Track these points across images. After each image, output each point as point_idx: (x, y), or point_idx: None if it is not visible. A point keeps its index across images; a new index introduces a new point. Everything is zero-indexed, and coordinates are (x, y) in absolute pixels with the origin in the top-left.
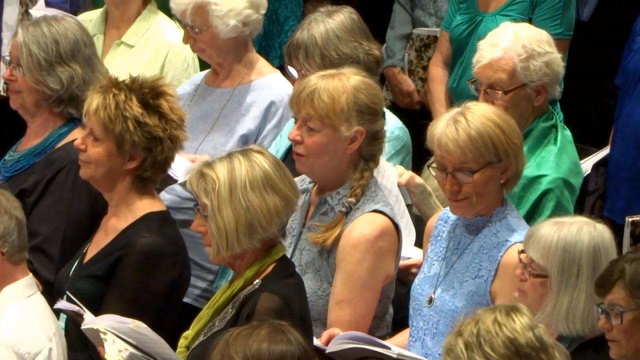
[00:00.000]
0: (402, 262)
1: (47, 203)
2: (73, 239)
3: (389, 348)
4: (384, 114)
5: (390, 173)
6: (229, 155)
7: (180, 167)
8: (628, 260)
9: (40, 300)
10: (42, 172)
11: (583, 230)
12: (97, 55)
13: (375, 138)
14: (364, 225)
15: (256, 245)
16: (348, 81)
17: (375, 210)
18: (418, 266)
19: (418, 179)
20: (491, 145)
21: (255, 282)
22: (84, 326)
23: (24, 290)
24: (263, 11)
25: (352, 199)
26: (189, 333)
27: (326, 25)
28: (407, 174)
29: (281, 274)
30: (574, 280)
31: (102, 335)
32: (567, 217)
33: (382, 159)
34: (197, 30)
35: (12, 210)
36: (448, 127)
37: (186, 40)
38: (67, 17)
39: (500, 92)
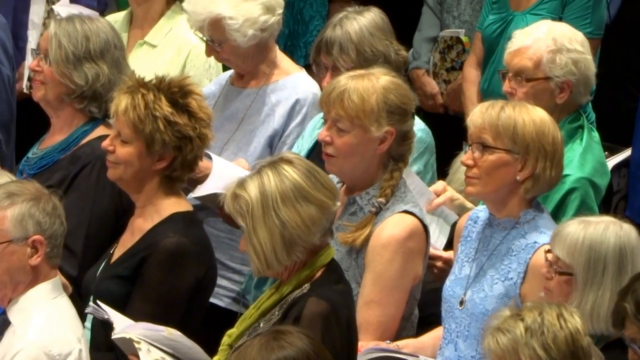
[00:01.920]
0: (437, 252)
1: (71, 199)
2: (97, 235)
3: (417, 357)
4: (413, 114)
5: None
6: (259, 171)
7: (220, 174)
8: (626, 297)
9: (66, 302)
10: (67, 169)
11: (609, 230)
12: (126, 59)
13: (404, 138)
14: (393, 226)
15: (300, 257)
16: (378, 81)
17: (405, 211)
18: (444, 260)
19: (457, 201)
20: (512, 130)
21: (304, 286)
22: (114, 336)
23: (52, 292)
24: (280, 11)
25: (382, 199)
26: (233, 331)
27: (359, 22)
28: (444, 196)
29: (330, 279)
30: (600, 278)
31: (136, 345)
32: (593, 216)
33: (417, 180)
34: (217, 43)
35: (62, 218)
36: (488, 105)
37: (209, 52)
38: (101, 18)
39: (522, 79)
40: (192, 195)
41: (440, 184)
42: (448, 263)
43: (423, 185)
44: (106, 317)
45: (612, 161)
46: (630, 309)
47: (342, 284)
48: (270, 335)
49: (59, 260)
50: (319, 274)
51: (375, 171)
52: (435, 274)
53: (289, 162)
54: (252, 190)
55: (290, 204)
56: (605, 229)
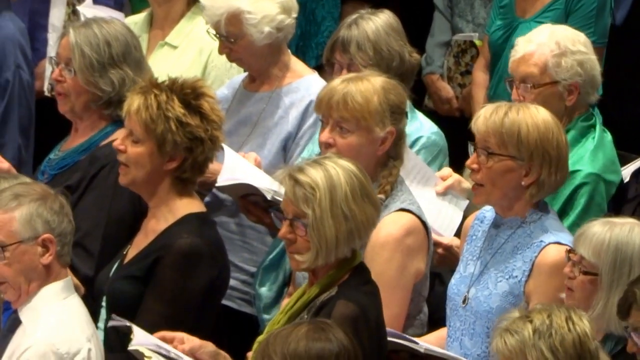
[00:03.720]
0: (437, 239)
1: (89, 199)
2: (114, 236)
3: (417, 343)
4: (406, 113)
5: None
6: (318, 162)
7: (233, 165)
8: (638, 283)
9: (77, 302)
10: (86, 169)
11: (635, 231)
12: (145, 59)
13: (400, 137)
14: (390, 224)
15: (347, 254)
16: (375, 82)
17: (402, 209)
18: (444, 247)
19: (464, 184)
20: (516, 137)
21: (331, 289)
22: (130, 347)
23: (63, 291)
24: (295, 14)
25: (382, 196)
26: (262, 338)
27: (375, 22)
28: (452, 179)
29: (358, 281)
30: (625, 279)
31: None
32: (617, 218)
33: (419, 161)
34: (232, 40)
35: (70, 217)
36: (492, 110)
37: (222, 50)
38: (116, 19)
39: (530, 86)
40: (217, 184)
41: (446, 170)
42: (449, 250)
43: (427, 168)
44: (127, 324)
45: (632, 167)
46: (639, 294)
47: (369, 285)
48: (316, 325)
49: (69, 258)
50: (346, 276)
51: (373, 172)
52: (435, 260)
53: (346, 159)
54: (318, 178)
55: (358, 199)
56: (630, 230)
